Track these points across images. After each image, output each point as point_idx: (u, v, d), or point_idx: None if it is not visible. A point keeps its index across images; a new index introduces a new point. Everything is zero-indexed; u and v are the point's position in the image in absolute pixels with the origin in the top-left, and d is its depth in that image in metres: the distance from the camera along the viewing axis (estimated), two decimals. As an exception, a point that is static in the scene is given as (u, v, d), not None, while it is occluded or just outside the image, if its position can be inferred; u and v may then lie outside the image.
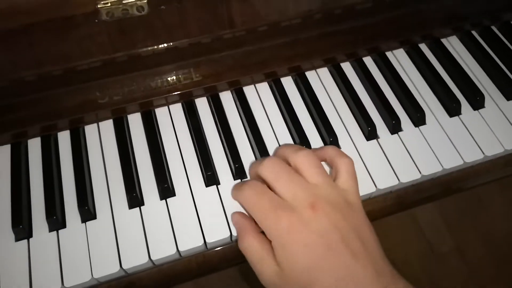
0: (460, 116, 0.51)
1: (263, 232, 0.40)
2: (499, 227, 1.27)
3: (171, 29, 0.45)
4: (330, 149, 0.44)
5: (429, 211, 1.29)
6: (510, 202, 1.32)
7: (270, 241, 0.39)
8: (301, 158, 0.41)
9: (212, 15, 0.46)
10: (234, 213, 0.44)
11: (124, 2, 0.40)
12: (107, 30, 0.42)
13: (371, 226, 0.40)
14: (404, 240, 1.22)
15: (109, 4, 0.40)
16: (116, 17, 0.41)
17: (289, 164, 0.42)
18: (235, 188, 0.44)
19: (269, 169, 0.41)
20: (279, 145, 0.49)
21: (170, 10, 0.43)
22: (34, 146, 0.49)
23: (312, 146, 0.48)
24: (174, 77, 0.51)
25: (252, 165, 0.46)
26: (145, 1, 0.41)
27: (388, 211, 0.50)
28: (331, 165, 0.44)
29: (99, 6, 0.39)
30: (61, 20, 0.39)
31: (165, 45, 0.48)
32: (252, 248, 0.39)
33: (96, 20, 0.41)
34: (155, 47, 0.47)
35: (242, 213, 0.44)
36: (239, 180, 0.46)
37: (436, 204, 1.30)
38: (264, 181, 0.42)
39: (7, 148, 0.48)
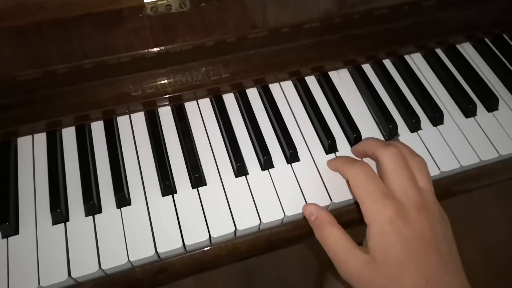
0: (475, 117, 0.54)
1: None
2: (495, 235, 1.30)
3: (207, 27, 0.47)
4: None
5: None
6: (505, 210, 1.35)
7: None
8: (420, 163, 0.43)
9: (247, 14, 0.48)
10: (307, 205, 0.45)
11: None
12: (149, 25, 0.44)
13: (455, 244, 0.41)
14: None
15: (156, -1, 0.42)
16: (159, 12, 0.43)
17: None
18: (343, 161, 0.45)
19: (393, 158, 0.41)
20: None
21: (209, 7, 0.45)
22: (69, 136, 0.50)
23: (337, 142, 0.51)
24: (204, 73, 0.53)
25: (368, 141, 0.45)
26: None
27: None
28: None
29: (145, 1, 0.41)
30: (109, 13, 0.41)
31: (199, 41, 0.50)
32: (339, 238, 0.40)
33: (140, 15, 0.43)
34: (190, 43, 0.49)
35: (317, 204, 0.45)
36: (267, 172, 0.48)
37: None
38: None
39: (42, 136, 0.50)
